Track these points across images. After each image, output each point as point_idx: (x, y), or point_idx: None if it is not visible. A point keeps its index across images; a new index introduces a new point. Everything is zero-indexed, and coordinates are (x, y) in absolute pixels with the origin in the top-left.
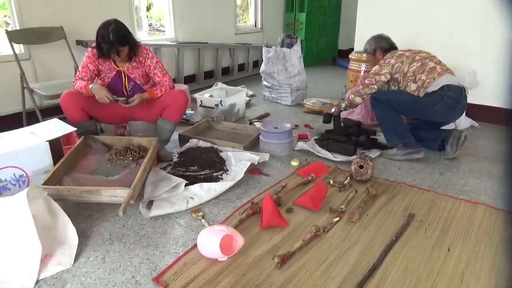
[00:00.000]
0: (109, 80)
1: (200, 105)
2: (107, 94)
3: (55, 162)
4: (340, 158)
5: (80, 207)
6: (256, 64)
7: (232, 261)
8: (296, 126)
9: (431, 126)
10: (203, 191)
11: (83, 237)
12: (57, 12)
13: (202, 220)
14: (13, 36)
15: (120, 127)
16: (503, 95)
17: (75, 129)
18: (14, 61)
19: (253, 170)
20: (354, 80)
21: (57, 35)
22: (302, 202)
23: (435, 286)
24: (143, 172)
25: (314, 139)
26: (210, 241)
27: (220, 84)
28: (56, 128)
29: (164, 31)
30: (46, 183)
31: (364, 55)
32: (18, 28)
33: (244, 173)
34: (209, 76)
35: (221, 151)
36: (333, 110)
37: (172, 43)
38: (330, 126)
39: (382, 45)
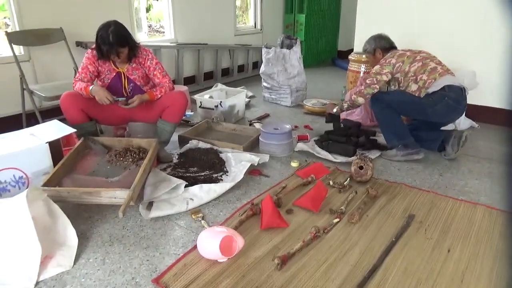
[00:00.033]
0: (109, 81)
1: (200, 106)
2: (107, 95)
3: (55, 164)
4: (340, 159)
5: (80, 208)
6: (256, 65)
7: (232, 262)
8: (296, 127)
9: (431, 126)
10: (203, 192)
11: (83, 238)
12: (57, 13)
13: (202, 221)
14: (13, 38)
15: (120, 128)
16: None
17: (75, 130)
18: (14, 63)
19: (253, 171)
20: (354, 81)
21: (56, 36)
22: (302, 203)
23: (435, 287)
24: (143, 173)
25: (314, 140)
26: (210, 242)
27: (219, 85)
28: (55, 129)
29: (163, 32)
30: (45, 184)
31: (363, 56)
32: (17, 29)
33: (244, 174)
34: (209, 77)
35: (221, 152)
36: (335, 110)
37: (171, 44)
38: (330, 127)
39: (382, 45)
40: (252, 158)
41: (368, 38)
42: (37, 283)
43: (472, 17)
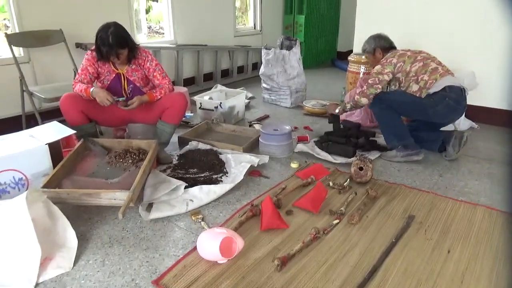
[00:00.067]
0: (109, 82)
1: (200, 108)
2: (108, 96)
3: (54, 165)
4: (339, 160)
5: (80, 210)
6: (256, 66)
7: (232, 263)
8: (296, 128)
9: (431, 127)
10: (203, 194)
11: (83, 240)
12: (57, 15)
13: (202, 223)
14: (13, 39)
15: (120, 129)
16: (506, 97)
17: (75, 131)
18: (14, 64)
19: (253, 172)
20: (353, 82)
21: (56, 38)
22: (301, 204)
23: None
24: (143, 174)
25: (314, 141)
26: (210, 244)
27: (219, 86)
28: (55, 131)
29: (163, 33)
30: (45, 186)
31: (363, 57)
32: (17, 31)
33: (244, 175)
34: (209, 78)
35: (220, 153)
36: (337, 110)
37: (171, 46)
38: (330, 128)
39: (382, 44)
40: (252, 159)
41: (367, 38)
42: (37, 284)
43: (472, 17)
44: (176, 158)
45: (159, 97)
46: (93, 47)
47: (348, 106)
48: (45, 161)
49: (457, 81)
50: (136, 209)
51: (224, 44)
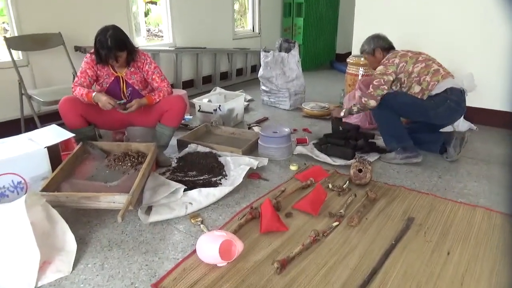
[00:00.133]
0: (108, 85)
1: (199, 110)
2: (109, 100)
3: (53, 169)
4: (339, 162)
5: (79, 213)
6: (254, 68)
7: (232, 266)
8: (295, 130)
9: (430, 128)
10: (202, 196)
11: (82, 243)
12: (55, 18)
13: (201, 226)
14: (12, 43)
15: (119, 132)
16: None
17: (74, 135)
18: (13, 68)
19: (252, 174)
20: (352, 84)
21: (55, 41)
22: (301, 206)
23: None
24: (142, 177)
25: (313, 143)
26: (209, 247)
27: (218, 89)
28: (54, 134)
29: (162, 36)
30: (44, 189)
31: (361, 59)
32: (16, 34)
33: (243, 178)
34: (208, 81)
35: (219, 156)
36: (342, 114)
37: (170, 49)
38: (329, 130)
39: (381, 44)
40: (251, 162)
41: (366, 38)
42: None
43: (472, 17)
44: (175, 161)
45: (158, 100)
46: (92, 50)
47: (355, 109)
48: (44, 165)
49: (457, 83)
50: (135, 212)
51: (223, 46)
